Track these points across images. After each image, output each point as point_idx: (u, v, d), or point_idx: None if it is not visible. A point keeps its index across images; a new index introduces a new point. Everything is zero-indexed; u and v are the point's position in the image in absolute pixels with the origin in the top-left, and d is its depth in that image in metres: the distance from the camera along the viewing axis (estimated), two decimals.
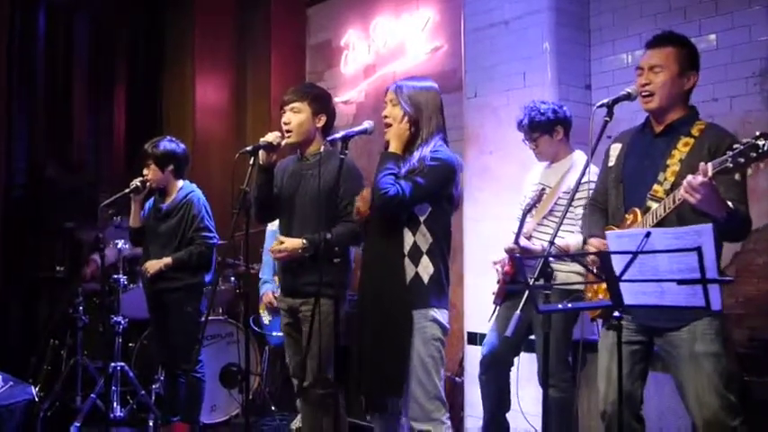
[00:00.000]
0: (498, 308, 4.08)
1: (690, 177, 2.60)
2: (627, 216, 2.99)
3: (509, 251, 3.90)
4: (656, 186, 2.91)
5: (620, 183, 3.10)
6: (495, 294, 4.08)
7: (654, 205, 2.87)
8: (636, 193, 2.99)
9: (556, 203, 3.88)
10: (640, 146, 3.09)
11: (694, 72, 3.01)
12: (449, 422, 3.20)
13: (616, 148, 3.19)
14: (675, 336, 2.87)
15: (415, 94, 3.27)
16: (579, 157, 4.00)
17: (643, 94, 3.00)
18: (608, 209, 3.18)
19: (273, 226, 5.08)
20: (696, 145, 2.87)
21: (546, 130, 3.97)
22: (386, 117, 3.28)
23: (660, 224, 2.78)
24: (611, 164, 3.19)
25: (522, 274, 3.84)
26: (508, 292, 3.98)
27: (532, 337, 4.00)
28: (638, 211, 2.94)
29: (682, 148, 2.89)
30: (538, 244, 3.86)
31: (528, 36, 4.74)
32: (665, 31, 3.10)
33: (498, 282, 4.07)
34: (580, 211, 3.72)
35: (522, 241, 3.85)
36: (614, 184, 3.13)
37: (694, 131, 2.92)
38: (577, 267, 3.74)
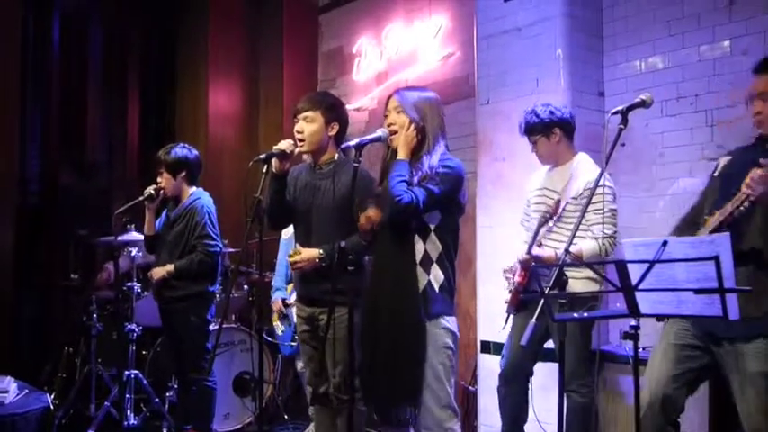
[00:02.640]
0: (512, 317, 4.07)
1: (753, 171, 2.60)
2: (707, 218, 2.96)
3: (524, 262, 3.89)
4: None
5: (717, 191, 3.08)
6: (508, 304, 4.06)
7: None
8: (726, 199, 2.93)
9: (564, 209, 3.88)
10: (746, 158, 3.05)
11: None
12: (459, 430, 3.20)
13: (725, 160, 3.18)
14: (731, 349, 2.88)
15: (420, 102, 3.30)
16: (582, 159, 4.01)
17: (756, 119, 3.02)
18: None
19: (287, 235, 5.09)
20: None
21: (542, 132, 3.98)
22: (391, 124, 3.29)
23: (734, 226, 2.77)
24: (716, 174, 3.18)
25: (537, 283, 3.85)
26: (522, 301, 3.96)
27: (550, 345, 3.98)
28: (717, 212, 2.90)
29: None
30: (548, 251, 3.85)
31: (541, 43, 4.73)
32: None
33: (510, 291, 4.05)
34: (591, 216, 3.72)
35: (535, 250, 3.84)
36: (712, 192, 3.13)
37: None
38: (591, 272, 3.73)
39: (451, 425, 3.16)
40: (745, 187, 2.66)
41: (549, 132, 3.97)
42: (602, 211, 3.73)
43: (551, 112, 3.98)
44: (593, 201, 3.54)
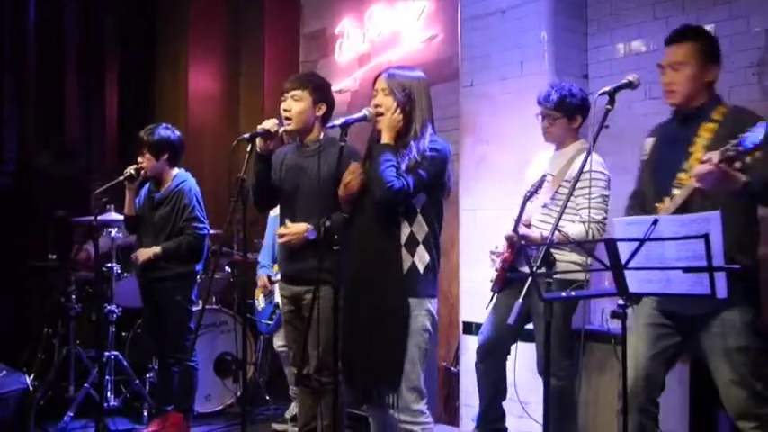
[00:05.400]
0: (496, 296, 4.07)
1: (698, 167, 2.64)
2: (657, 206, 2.99)
3: (508, 238, 3.89)
4: (680, 174, 2.93)
5: (652, 175, 3.13)
6: (494, 282, 4.06)
7: (677, 192, 2.90)
8: (665, 183, 3.01)
9: (557, 192, 3.86)
10: (667, 136, 3.14)
11: (716, 65, 3.05)
12: (428, 412, 3.24)
13: (649, 142, 3.23)
14: (704, 331, 2.93)
15: (408, 83, 3.27)
16: (582, 144, 4.00)
17: (665, 90, 3.07)
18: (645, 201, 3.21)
19: (275, 212, 5.05)
20: (719, 130, 2.89)
21: (570, 114, 3.93)
22: (377, 106, 3.27)
23: (684, 209, 2.82)
24: (644, 158, 3.23)
25: (521, 262, 3.86)
26: (508, 279, 3.96)
27: (530, 326, 3.99)
28: (667, 199, 2.95)
29: (704, 135, 2.91)
30: (537, 232, 3.85)
31: (525, 25, 4.72)
32: (683, 26, 3.13)
33: (496, 269, 4.05)
34: (581, 201, 3.72)
35: (522, 229, 3.84)
36: (648, 176, 3.17)
37: (716, 116, 2.93)
38: (576, 257, 3.74)
39: (419, 407, 3.19)
40: (695, 181, 2.70)
41: (574, 116, 3.94)
42: (590, 196, 3.71)
43: (584, 98, 3.95)
44: (581, 186, 3.61)
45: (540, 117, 4.01)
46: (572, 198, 3.69)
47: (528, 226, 3.87)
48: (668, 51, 3.08)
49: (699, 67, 3.02)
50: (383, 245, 3.21)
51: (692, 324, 2.97)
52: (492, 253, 4.07)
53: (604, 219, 3.79)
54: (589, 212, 3.73)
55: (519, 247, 3.77)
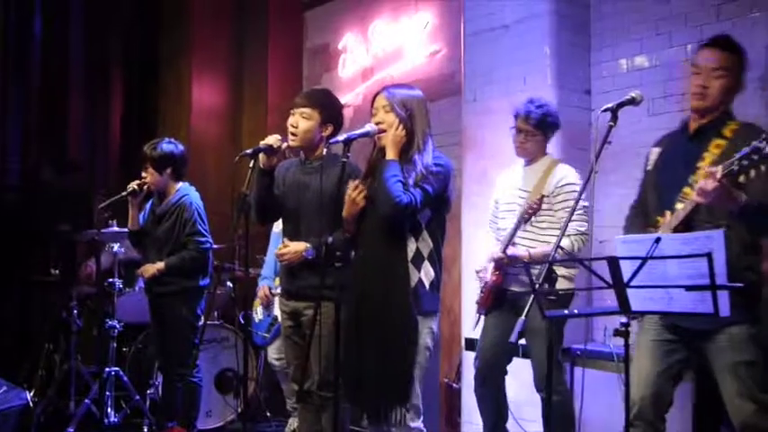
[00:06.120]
0: (483, 318, 4.05)
1: (701, 182, 2.63)
2: (659, 219, 2.98)
3: (497, 260, 3.87)
4: (686, 189, 2.91)
5: (656, 186, 3.11)
6: (479, 304, 4.03)
7: (680, 206, 2.88)
8: (669, 196, 2.99)
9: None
10: (675, 149, 3.11)
11: (743, 83, 3.05)
12: (425, 429, 3.24)
13: (655, 153, 3.21)
14: (711, 345, 2.90)
15: (408, 100, 3.28)
16: (552, 159, 4.01)
17: (695, 92, 3.00)
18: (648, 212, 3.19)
19: (278, 228, 5.04)
20: (728, 146, 2.87)
21: (546, 131, 3.96)
22: (379, 123, 3.27)
23: (688, 224, 2.81)
24: (649, 168, 3.21)
25: (509, 282, 3.85)
26: (496, 300, 3.94)
27: (522, 342, 3.95)
28: (668, 213, 2.94)
29: (713, 150, 2.89)
30: (522, 249, 3.84)
31: (528, 40, 4.72)
32: (725, 35, 3.13)
33: (482, 291, 4.02)
34: (563, 214, 3.71)
35: (509, 249, 3.83)
36: (652, 188, 3.15)
37: (726, 132, 2.91)
38: (564, 270, 3.73)
39: (416, 425, 3.19)
40: (697, 196, 2.69)
41: (549, 134, 3.97)
42: (576, 210, 3.73)
43: (557, 116, 3.97)
44: (565, 198, 3.73)
45: (515, 131, 4.00)
46: (554, 212, 3.78)
47: (513, 245, 3.87)
48: (708, 54, 3.02)
49: (735, 79, 3.00)
50: (389, 261, 3.20)
51: (699, 338, 2.95)
52: (478, 272, 4.05)
53: (587, 230, 3.82)
54: (586, 225, 3.79)
55: (524, 267, 3.74)
